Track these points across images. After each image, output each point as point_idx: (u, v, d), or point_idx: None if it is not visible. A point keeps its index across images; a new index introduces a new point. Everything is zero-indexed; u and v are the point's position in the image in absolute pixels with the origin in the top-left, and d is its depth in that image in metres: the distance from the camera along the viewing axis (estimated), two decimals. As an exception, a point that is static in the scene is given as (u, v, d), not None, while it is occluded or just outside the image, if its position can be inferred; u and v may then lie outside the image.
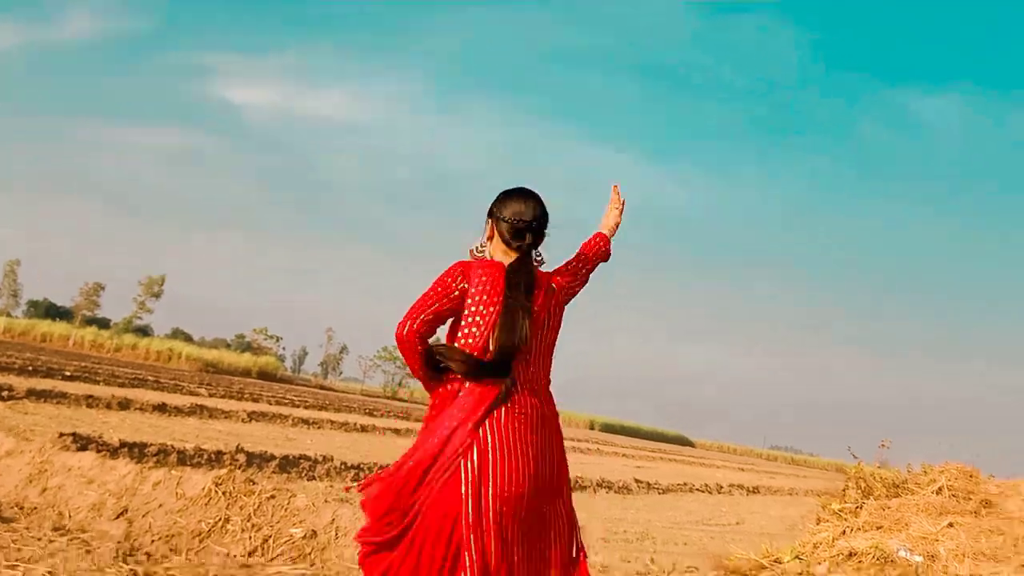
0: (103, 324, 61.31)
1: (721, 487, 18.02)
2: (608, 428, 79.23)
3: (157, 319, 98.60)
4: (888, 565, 4.82)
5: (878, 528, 5.75)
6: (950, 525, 5.65)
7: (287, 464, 8.06)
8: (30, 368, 18.34)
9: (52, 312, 65.52)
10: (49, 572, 3.34)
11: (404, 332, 2.60)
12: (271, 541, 4.58)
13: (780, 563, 5.13)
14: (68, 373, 18.85)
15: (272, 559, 4.45)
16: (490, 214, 2.78)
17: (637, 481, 15.01)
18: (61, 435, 5.85)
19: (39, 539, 3.93)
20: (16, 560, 3.45)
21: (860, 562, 4.91)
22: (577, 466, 16.68)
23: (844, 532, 5.74)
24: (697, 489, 16.63)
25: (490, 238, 2.77)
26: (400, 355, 2.77)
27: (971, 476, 6.98)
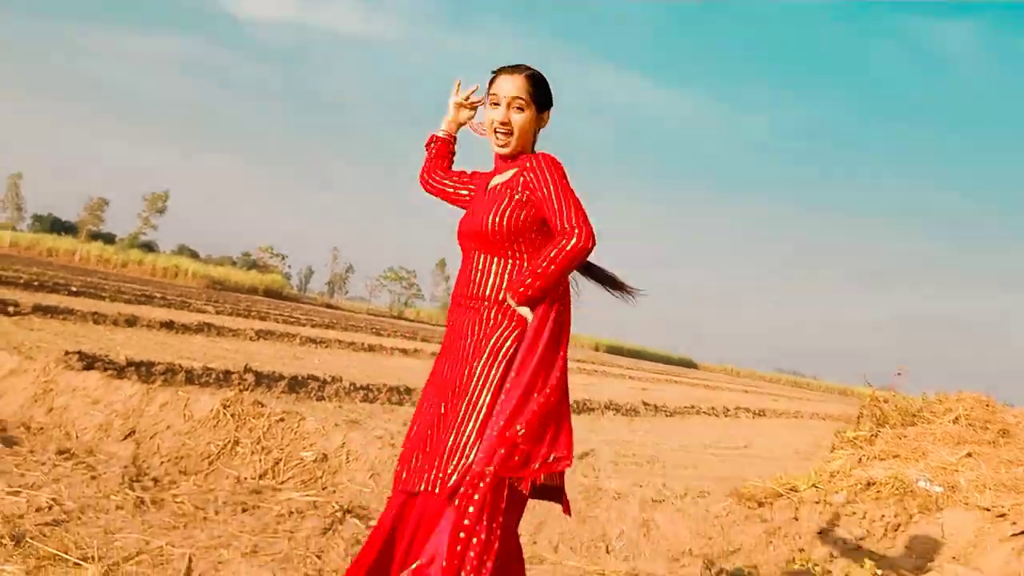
0: (108, 239, 61.27)
1: (728, 410, 18.08)
2: (613, 350, 79.62)
3: (162, 235, 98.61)
4: (907, 495, 4.75)
5: (895, 457, 5.68)
6: (968, 455, 5.57)
7: (296, 384, 8.00)
8: (36, 283, 18.27)
9: (57, 227, 65.39)
10: (53, 499, 3.24)
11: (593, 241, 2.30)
12: (281, 464, 4.50)
13: (797, 491, 5.06)
14: (74, 288, 18.77)
15: (283, 483, 4.37)
16: (550, 103, 2.53)
17: (644, 403, 15.03)
18: (67, 353, 5.75)
19: (43, 463, 3.84)
20: (19, 486, 3.35)
21: (879, 492, 4.83)
22: (583, 388, 16.71)
23: (860, 460, 5.67)
24: (704, 412, 16.69)
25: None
26: (561, 269, 2.21)
27: (987, 405, 6.88)
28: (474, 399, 2.28)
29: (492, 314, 2.37)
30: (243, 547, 3.17)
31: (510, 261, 2.40)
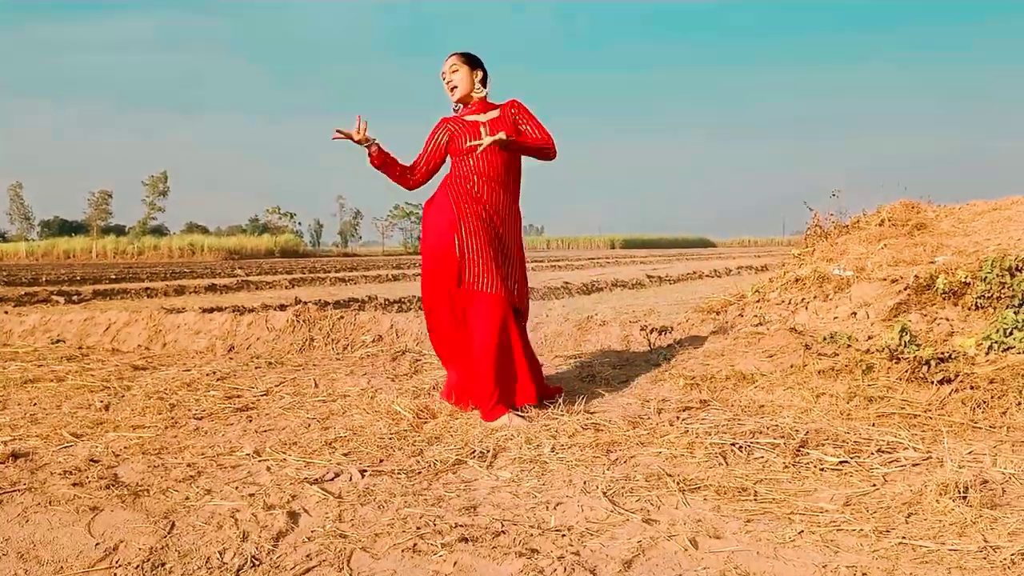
0: (119, 231, 62.51)
1: (730, 270, 19.43)
2: (629, 244, 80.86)
3: (170, 216, 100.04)
4: (825, 282, 6.13)
5: (827, 260, 7.05)
6: (884, 247, 6.94)
7: (340, 306, 9.46)
8: (78, 278, 19.82)
9: (66, 228, 66.41)
10: (213, 371, 4.73)
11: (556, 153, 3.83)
12: (350, 347, 5.95)
13: (744, 298, 6.47)
14: (113, 276, 20.32)
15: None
16: (479, 64, 3.87)
17: (649, 277, 16.44)
18: (162, 308, 7.20)
19: (187, 363, 5.34)
20: (186, 368, 4.83)
21: (803, 284, 6.22)
22: (592, 277, 18.12)
23: (799, 267, 7.05)
24: (706, 276, 18.04)
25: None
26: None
27: (912, 207, 8.19)
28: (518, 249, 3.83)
29: (512, 197, 3.84)
30: (344, 371, 4.71)
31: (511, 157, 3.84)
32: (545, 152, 3.82)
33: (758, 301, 6.24)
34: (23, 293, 13.19)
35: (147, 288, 14.54)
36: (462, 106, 3.86)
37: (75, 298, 12.89)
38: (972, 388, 3.56)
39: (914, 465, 2.79)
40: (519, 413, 3.56)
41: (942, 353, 3.84)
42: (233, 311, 8.27)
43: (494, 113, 3.84)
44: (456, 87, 3.82)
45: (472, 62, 3.85)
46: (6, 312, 8.47)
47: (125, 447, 3.20)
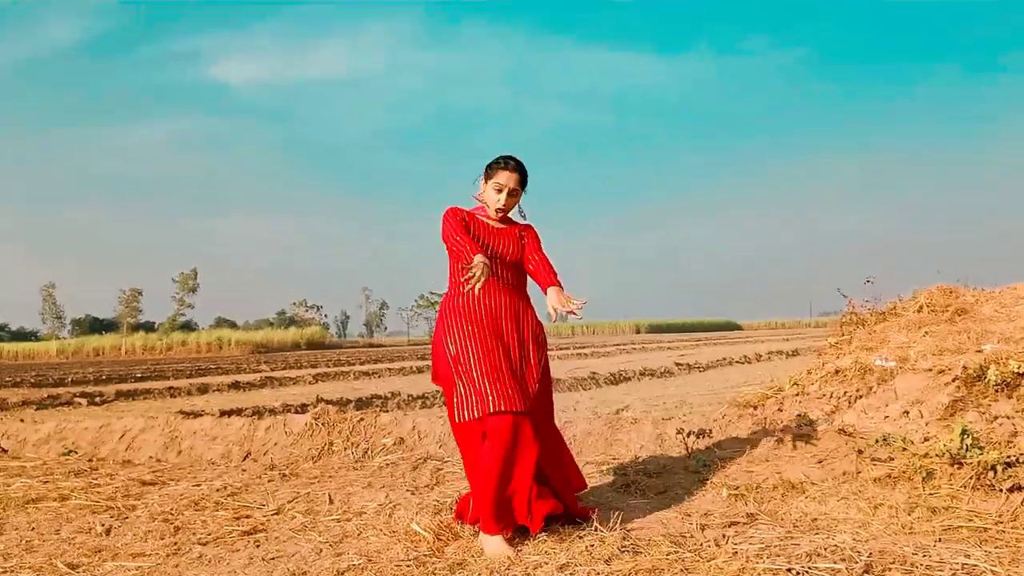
0: (148, 328, 63.06)
1: (760, 355, 19.04)
2: (655, 329, 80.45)
3: (199, 312, 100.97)
4: (867, 374, 5.82)
5: (866, 350, 6.75)
6: (925, 334, 6.63)
7: (361, 404, 9.23)
8: (104, 377, 19.79)
9: (96, 326, 67.17)
10: (225, 484, 4.47)
11: None
12: (369, 452, 5.69)
13: (782, 391, 6.16)
14: (139, 375, 20.26)
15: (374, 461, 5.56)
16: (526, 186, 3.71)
17: (677, 364, 16.08)
18: (179, 412, 7.01)
19: (198, 476, 5.08)
20: (201, 480, 4.57)
21: (844, 376, 5.92)
22: (619, 364, 17.79)
23: (837, 358, 6.74)
24: (737, 362, 17.65)
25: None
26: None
27: (951, 292, 7.90)
28: (534, 363, 3.50)
29: (525, 302, 3.64)
30: (361, 483, 4.42)
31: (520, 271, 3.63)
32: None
33: (797, 395, 5.93)
34: (46, 396, 13.09)
35: (171, 387, 14.41)
36: (481, 205, 3.69)
37: (98, 399, 12.77)
38: (1047, 496, 3.24)
39: (998, 595, 2.47)
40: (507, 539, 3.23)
41: (1009, 456, 3.52)
42: (252, 414, 8.06)
43: (506, 223, 3.69)
44: (505, 208, 3.63)
45: (525, 186, 3.68)
46: (22, 420, 8.31)
47: (122, 580, 2.94)
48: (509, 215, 3.70)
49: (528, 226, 3.73)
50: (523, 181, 3.64)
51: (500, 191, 3.60)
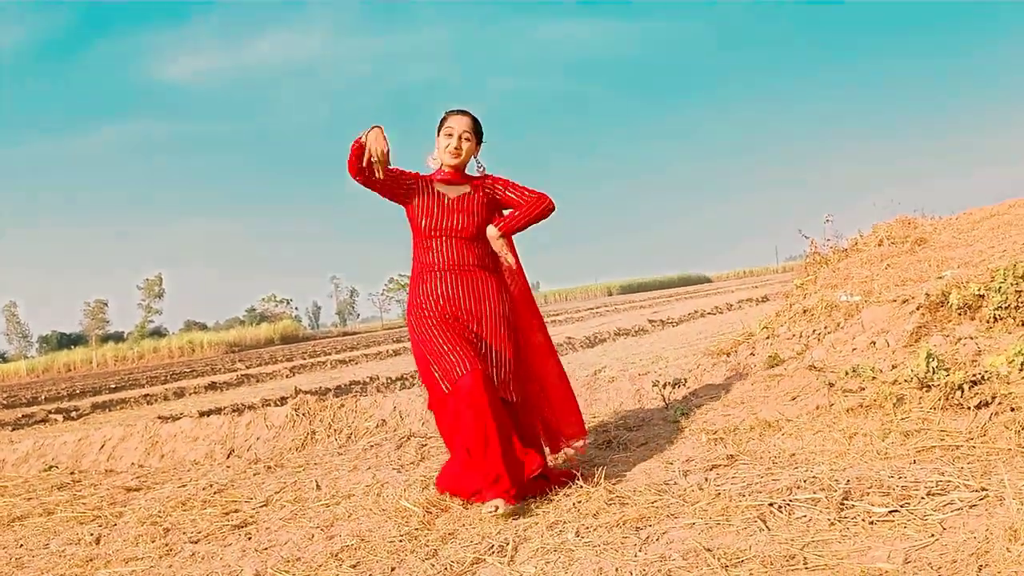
0: (118, 338, 62.29)
1: (731, 305, 19.25)
2: (627, 289, 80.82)
3: (167, 317, 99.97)
4: (834, 310, 5.93)
5: (831, 287, 6.86)
6: (887, 267, 6.75)
7: (341, 391, 9.23)
8: (77, 392, 19.56)
9: (65, 341, 66.13)
10: (211, 482, 4.47)
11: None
12: (353, 436, 5.70)
13: (753, 335, 6.25)
14: (113, 386, 20.05)
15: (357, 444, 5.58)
16: (481, 140, 3.65)
17: (651, 322, 16.23)
18: (158, 417, 6.96)
19: (190, 470, 5.08)
20: (188, 480, 4.57)
21: (812, 315, 6.02)
22: (594, 327, 17.91)
23: (804, 298, 6.85)
24: (708, 314, 17.86)
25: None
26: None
27: (909, 223, 8.05)
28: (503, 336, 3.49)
29: (484, 276, 3.55)
30: (347, 467, 4.46)
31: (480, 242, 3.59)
32: (544, 213, 3.63)
33: (768, 338, 6.03)
34: (20, 416, 12.93)
35: (146, 395, 14.30)
36: (437, 166, 3.65)
37: (74, 414, 12.64)
38: (1012, 410, 3.34)
39: (971, 507, 2.55)
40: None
41: (974, 375, 3.62)
42: (232, 411, 8.03)
43: (463, 188, 3.60)
44: (459, 156, 3.56)
45: (480, 137, 3.63)
46: (-2, 441, 8.21)
47: (117, 585, 2.95)
48: (467, 171, 3.64)
49: (497, 179, 3.65)
50: (476, 130, 3.59)
51: (451, 135, 3.55)
